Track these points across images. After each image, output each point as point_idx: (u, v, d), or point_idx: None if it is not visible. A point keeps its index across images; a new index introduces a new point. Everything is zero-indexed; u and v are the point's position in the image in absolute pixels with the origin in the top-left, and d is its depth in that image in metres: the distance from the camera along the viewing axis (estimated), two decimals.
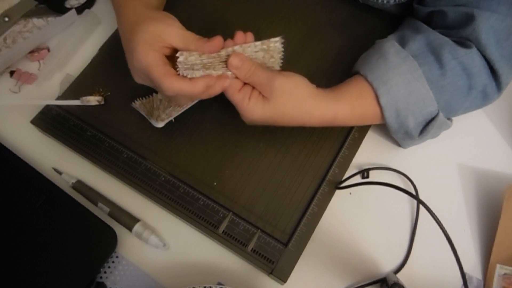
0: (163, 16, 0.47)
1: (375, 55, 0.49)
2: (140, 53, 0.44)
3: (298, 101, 0.46)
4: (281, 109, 0.46)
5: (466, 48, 0.46)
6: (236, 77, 0.46)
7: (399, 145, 0.54)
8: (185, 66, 0.45)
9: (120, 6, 0.50)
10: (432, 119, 0.48)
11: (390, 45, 0.48)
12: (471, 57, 0.46)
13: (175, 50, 0.45)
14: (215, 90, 0.46)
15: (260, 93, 0.46)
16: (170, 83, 0.43)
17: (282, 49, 0.48)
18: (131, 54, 0.46)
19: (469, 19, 0.46)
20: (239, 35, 0.46)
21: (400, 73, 0.46)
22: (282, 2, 0.63)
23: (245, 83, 0.47)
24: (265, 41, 0.47)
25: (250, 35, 0.47)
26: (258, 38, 0.62)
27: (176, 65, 0.45)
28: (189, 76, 0.45)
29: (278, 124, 0.48)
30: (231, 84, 0.46)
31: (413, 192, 0.51)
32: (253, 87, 0.47)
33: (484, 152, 0.54)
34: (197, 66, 0.45)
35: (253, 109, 0.46)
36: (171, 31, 0.45)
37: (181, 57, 0.44)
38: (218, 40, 0.44)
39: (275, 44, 0.47)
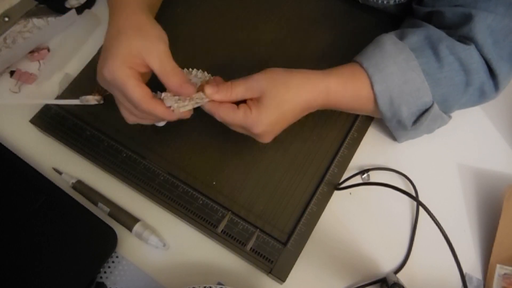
0: (153, 32, 0.45)
1: (371, 46, 0.49)
2: (114, 66, 0.42)
3: (285, 78, 0.46)
4: (278, 97, 0.45)
5: (465, 44, 0.46)
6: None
7: (396, 140, 0.54)
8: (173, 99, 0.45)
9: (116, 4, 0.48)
10: (426, 110, 0.47)
11: (388, 37, 0.48)
12: (470, 53, 0.46)
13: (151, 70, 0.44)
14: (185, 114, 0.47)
15: (252, 99, 0.46)
16: (147, 105, 0.43)
17: None
18: (104, 62, 0.43)
19: (467, 19, 0.46)
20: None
21: (396, 62, 0.46)
22: (281, 1, 0.63)
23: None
24: None
25: (218, 79, 0.48)
26: (257, 37, 0.62)
27: (163, 98, 0.45)
28: (181, 110, 0.45)
29: (288, 119, 0.47)
30: (228, 107, 0.45)
31: (413, 193, 0.51)
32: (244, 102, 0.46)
33: (484, 152, 0.54)
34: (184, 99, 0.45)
35: (259, 116, 0.45)
36: (153, 53, 0.43)
37: (164, 95, 0.45)
38: (191, 88, 0.44)
39: None
